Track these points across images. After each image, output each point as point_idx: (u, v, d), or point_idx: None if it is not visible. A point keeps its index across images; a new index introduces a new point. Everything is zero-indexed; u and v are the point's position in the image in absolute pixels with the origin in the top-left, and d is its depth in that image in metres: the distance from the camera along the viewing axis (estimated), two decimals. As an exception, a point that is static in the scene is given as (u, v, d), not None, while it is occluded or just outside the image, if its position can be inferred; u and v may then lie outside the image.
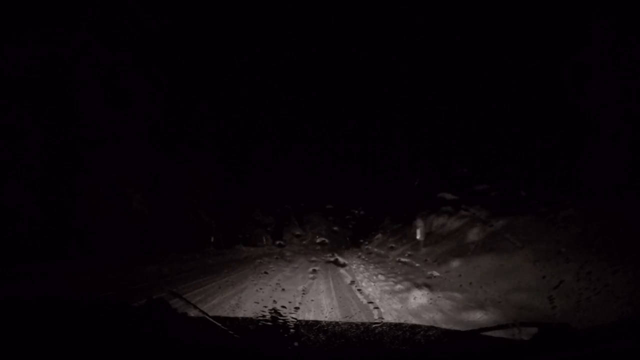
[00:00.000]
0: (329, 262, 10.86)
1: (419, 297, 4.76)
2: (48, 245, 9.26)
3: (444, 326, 3.55)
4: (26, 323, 1.10)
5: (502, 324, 1.28)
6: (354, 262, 11.02)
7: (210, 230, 16.72)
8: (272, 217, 24.22)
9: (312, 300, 4.98)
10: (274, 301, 4.52)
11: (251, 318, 1.37)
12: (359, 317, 4.05)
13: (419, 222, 10.26)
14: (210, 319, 1.15)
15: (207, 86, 18.10)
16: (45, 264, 7.77)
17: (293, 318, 1.22)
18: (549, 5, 7.67)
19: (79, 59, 11.08)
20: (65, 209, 10.37)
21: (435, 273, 6.24)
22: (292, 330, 1.15)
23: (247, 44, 20.41)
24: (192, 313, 1.39)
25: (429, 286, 5.31)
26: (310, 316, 4.07)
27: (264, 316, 1.23)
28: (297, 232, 25.32)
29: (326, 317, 4.07)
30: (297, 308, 4.20)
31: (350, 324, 1.37)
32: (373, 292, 5.75)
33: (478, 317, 3.73)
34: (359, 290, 5.96)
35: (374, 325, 1.32)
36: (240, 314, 3.94)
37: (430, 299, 4.64)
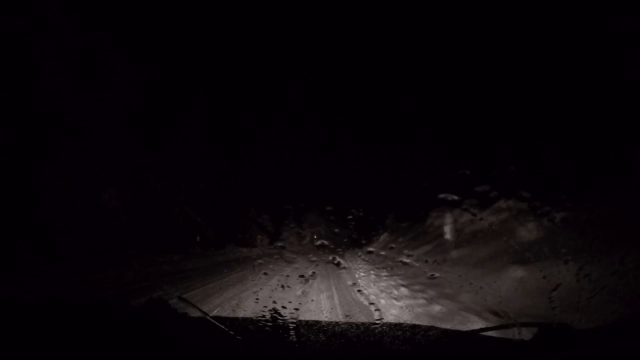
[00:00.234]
0: (329, 262, 10.86)
1: (419, 297, 4.76)
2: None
3: (444, 326, 3.55)
4: (26, 323, 1.10)
5: (502, 324, 1.28)
6: (354, 262, 11.02)
7: (197, 229, 15.47)
8: (271, 216, 23.28)
9: (312, 301, 4.98)
10: (274, 301, 4.52)
11: (251, 318, 1.37)
12: (359, 317, 4.05)
13: (448, 218, 8.84)
14: (210, 319, 1.15)
15: (197, 69, 16.13)
16: (45, 263, 7.75)
17: (293, 318, 1.22)
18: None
19: (43, 30, 9.72)
20: (27, 202, 9.16)
21: (436, 273, 6.24)
22: (292, 330, 1.15)
23: (245, 23, 18.60)
24: (192, 313, 1.39)
25: (429, 286, 5.32)
26: (310, 316, 4.06)
27: (264, 316, 1.23)
28: (297, 232, 25.25)
29: (326, 317, 4.07)
30: (297, 309, 4.19)
31: (350, 324, 1.37)
32: (373, 292, 5.75)
33: (478, 317, 3.73)
34: (359, 290, 5.96)
35: (374, 325, 1.32)
36: (240, 314, 3.94)
37: (431, 299, 4.64)
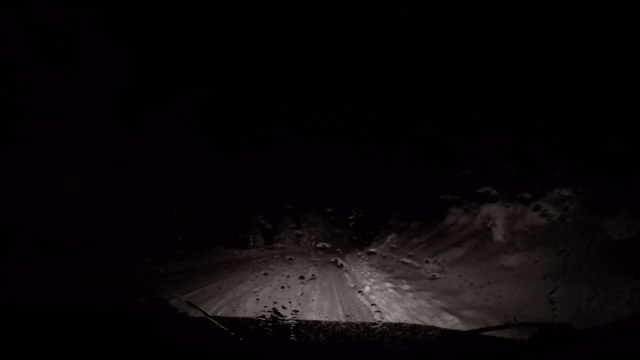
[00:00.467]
0: (330, 262, 10.87)
1: (419, 298, 4.77)
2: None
3: (444, 326, 3.55)
4: (26, 323, 1.10)
5: (502, 324, 1.28)
6: (355, 263, 11.03)
7: (181, 228, 14.00)
8: (270, 216, 21.92)
9: (312, 301, 4.98)
10: (274, 301, 4.53)
11: (251, 318, 1.37)
12: (359, 317, 4.05)
13: (497, 210, 6.79)
14: (211, 319, 1.15)
15: (187, 51, 13.97)
16: (44, 263, 7.74)
17: (293, 318, 1.23)
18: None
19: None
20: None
21: (437, 274, 6.24)
22: (292, 330, 1.16)
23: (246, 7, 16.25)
24: (192, 313, 1.39)
25: (429, 286, 5.32)
26: (310, 316, 4.06)
27: (264, 316, 1.23)
28: (297, 233, 25.20)
29: (326, 317, 4.07)
30: (297, 310, 4.20)
31: (350, 324, 1.37)
32: (373, 292, 5.75)
33: (478, 317, 3.74)
34: (359, 291, 5.96)
35: (374, 326, 1.32)
36: (240, 314, 3.94)
37: (431, 299, 4.65)
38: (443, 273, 6.16)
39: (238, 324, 1.36)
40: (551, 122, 7.08)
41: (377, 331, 1.27)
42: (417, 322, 3.37)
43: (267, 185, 19.97)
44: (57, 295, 3.86)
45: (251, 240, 19.39)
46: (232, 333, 1.08)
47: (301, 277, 7.35)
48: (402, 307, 4.53)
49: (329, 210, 22.40)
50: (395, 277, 6.78)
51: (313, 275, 7.92)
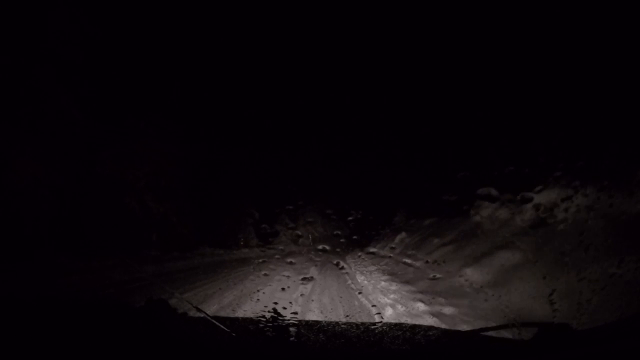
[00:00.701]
0: (330, 263, 10.87)
1: (419, 298, 4.76)
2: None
3: (444, 326, 3.55)
4: (26, 323, 1.10)
5: (502, 324, 1.28)
6: (355, 263, 11.03)
7: (163, 225, 12.65)
8: (269, 216, 21.26)
9: (312, 301, 4.99)
10: (274, 302, 4.53)
11: (251, 318, 1.37)
12: (359, 317, 4.05)
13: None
14: (211, 319, 1.15)
15: (176, 29, 12.22)
16: (44, 262, 7.71)
17: (293, 318, 1.23)
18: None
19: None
20: None
21: (437, 274, 6.24)
22: (292, 330, 1.16)
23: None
24: (192, 313, 1.39)
25: (430, 287, 5.32)
26: (310, 316, 4.07)
27: (264, 316, 1.23)
28: (297, 233, 25.15)
29: (326, 317, 4.07)
30: (296, 311, 4.20)
31: (350, 324, 1.37)
32: (373, 292, 5.75)
33: (478, 317, 3.73)
34: (359, 291, 5.96)
35: (373, 326, 1.32)
36: (240, 314, 3.94)
37: (431, 299, 4.64)
38: (444, 273, 6.16)
39: (238, 324, 1.36)
40: (551, 122, 7.09)
41: (377, 331, 1.27)
42: (417, 322, 3.37)
43: (266, 185, 18.76)
44: (58, 295, 3.86)
45: (242, 240, 17.88)
46: (232, 333, 1.08)
47: (301, 278, 7.35)
48: (402, 307, 4.53)
49: (328, 210, 22.25)
50: (395, 277, 6.78)
51: (313, 275, 7.92)
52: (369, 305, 4.73)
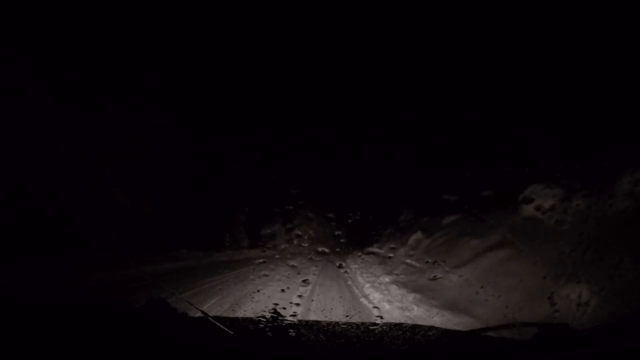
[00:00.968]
0: (330, 263, 10.87)
1: (419, 298, 4.76)
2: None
3: (444, 326, 3.55)
4: (26, 323, 1.10)
5: (502, 324, 1.28)
6: (355, 263, 11.03)
7: (132, 222, 10.71)
8: (269, 216, 20.13)
9: (312, 301, 4.99)
10: (274, 302, 4.53)
11: (251, 318, 1.37)
12: (359, 317, 4.05)
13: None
14: (211, 319, 1.15)
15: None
16: (44, 262, 7.68)
17: (293, 318, 1.23)
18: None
19: None
20: None
21: (437, 274, 6.24)
22: (292, 330, 1.16)
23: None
24: (192, 313, 1.39)
25: (430, 287, 5.32)
26: (310, 316, 4.07)
27: (264, 316, 1.23)
28: (297, 233, 25.08)
29: (326, 317, 4.07)
30: (296, 312, 4.20)
31: (350, 324, 1.37)
32: (373, 292, 5.75)
33: (478, 317, 3.73)
34: (359, 291, 5.97)
35: (373, 326, 1.32)
36: (240, 314, 3.94)
37: (431, 299, 4.64)
38: (444, 273, 6.16)
39: (238, 324, 1.36)
40: (551, 123, 7.09)
41: (377, 331, 1.27)
42: (417, 322, 3.37)
43: (263, 182, 16.94)
44: (58, 295, 3.86)
45: (227, 242, 16.09)
46: (232, 333, 1.08)
47: (301, 278, 7.35)
48: (402, 307, 4.53)
49: (329, 211, 22.16)
50: (396, 277, 6.78)
51: (313, 275, 7.92)
52: (369, 306, 4.74)
